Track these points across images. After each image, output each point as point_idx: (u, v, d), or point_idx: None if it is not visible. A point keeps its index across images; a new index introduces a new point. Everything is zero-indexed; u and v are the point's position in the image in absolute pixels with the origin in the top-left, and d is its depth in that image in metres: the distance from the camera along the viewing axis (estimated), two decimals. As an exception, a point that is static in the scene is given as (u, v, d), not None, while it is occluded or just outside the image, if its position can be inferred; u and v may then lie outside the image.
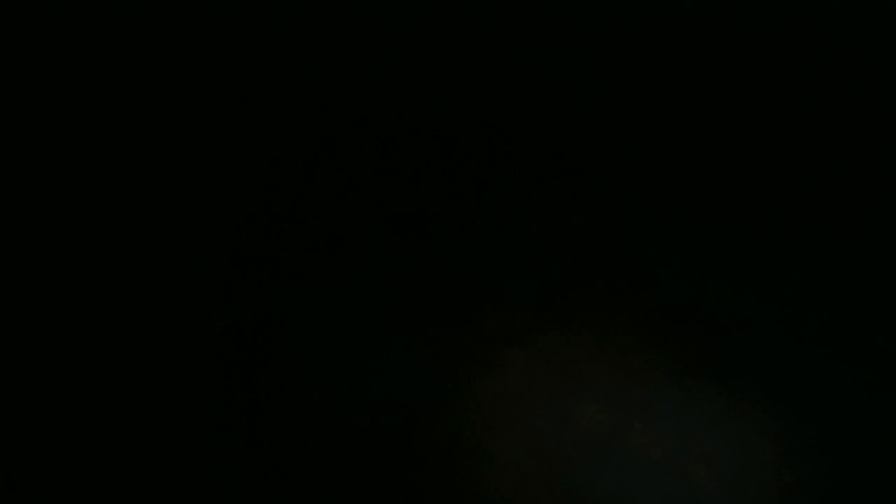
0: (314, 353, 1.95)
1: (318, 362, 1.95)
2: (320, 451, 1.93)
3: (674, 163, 1.99)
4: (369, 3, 2.02)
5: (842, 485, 1.91)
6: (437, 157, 2.00)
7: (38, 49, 2.00)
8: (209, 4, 2.00)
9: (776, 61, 2.00)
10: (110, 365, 1.94)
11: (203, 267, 1.97)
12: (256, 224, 1.99)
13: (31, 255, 1.96)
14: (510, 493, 1.92)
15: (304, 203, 1.98)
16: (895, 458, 1.91)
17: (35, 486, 1.91)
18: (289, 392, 1.94)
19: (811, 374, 1.95)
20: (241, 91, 2.01)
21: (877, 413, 1.93)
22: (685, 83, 1.99)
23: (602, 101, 2.00)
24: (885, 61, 1.98)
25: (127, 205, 1.98)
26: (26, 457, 1.91)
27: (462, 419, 1.94)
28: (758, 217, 1.97)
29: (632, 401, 1.94)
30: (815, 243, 1.97)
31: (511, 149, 2.00)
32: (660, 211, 1.98)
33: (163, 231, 1.98)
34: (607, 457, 1.92)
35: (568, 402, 1.94)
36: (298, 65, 2.01)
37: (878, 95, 1.98)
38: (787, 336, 1.96)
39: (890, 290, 1.95)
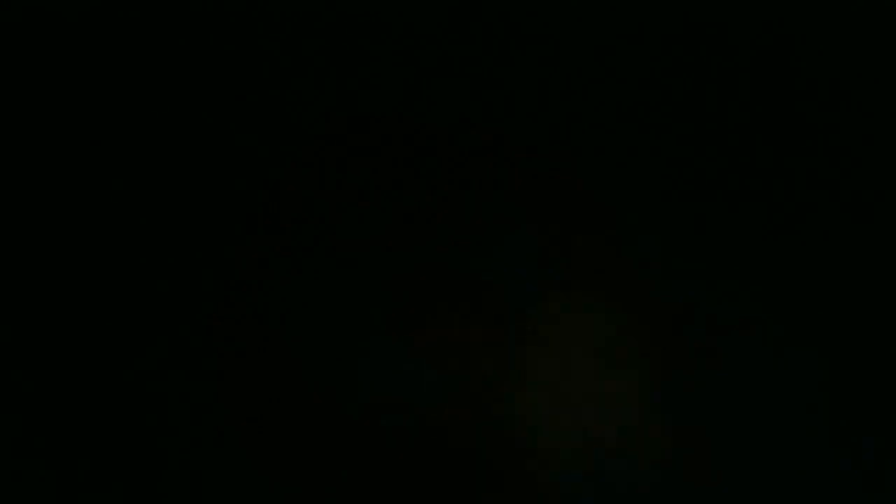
0: (313, 353, 1.95)
1: (317, 362, 1.95)
2: (319, 450, 1.92)
3: (675, 162, 1.99)
4: (369, 3, 2.01)
5: (843, 485, 1.91)
6: (436, 156, 1.99)
7: (37, 48, 1.99)
8: (209, 4, 2.00)
9: (776, 61, 2.00)
10: (104, 364, 1.93)
11: (200, 266, 1.96)
12: (254, 223, 1.98)
13: (30, 254, 1.95)
14: (511, 493, 1.92)
15: (303, 202, 1.98)
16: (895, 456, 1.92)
17: (34, 485, 1.90)
18: (288, 392, 1.94)
19: (811, 375, 1.95)
20: (240, 90, 2.01)
21: (877, 413, 1.94)
22: (687, 81, 2.00)
23: (602, 101, 2.01)
24: (884, 61, 1.99)
25: (125, 204, 1.97)
26: (25, 456, 1.90)
27: (462, 419, 1.93)
28: (759, 217, 1.98)
29: (633, 401, 1.94)
30: (816, 244, 1.97)
31: (511, 148, 2.00)
32: (660, 211, 1.98)
33: (161, 230, 1.97)
34: (608, 457, 1.92)
35: (569, 403, 1.94)
36: (297, 64, 2.01)
37: (879, 96, 1.99)
38: (787, 337, 1.96)
39: (891, 291, 1.96)
